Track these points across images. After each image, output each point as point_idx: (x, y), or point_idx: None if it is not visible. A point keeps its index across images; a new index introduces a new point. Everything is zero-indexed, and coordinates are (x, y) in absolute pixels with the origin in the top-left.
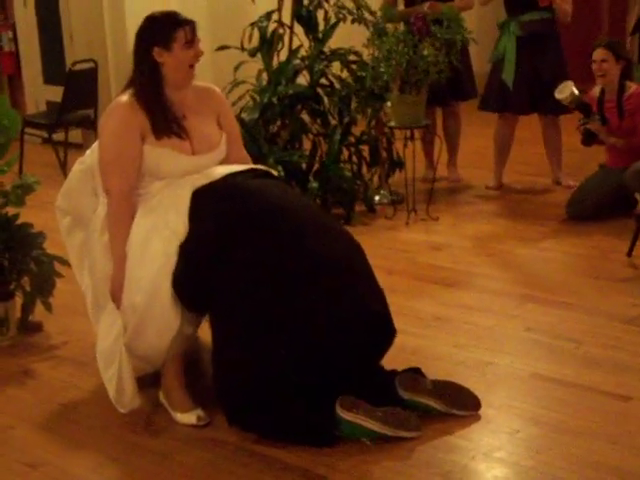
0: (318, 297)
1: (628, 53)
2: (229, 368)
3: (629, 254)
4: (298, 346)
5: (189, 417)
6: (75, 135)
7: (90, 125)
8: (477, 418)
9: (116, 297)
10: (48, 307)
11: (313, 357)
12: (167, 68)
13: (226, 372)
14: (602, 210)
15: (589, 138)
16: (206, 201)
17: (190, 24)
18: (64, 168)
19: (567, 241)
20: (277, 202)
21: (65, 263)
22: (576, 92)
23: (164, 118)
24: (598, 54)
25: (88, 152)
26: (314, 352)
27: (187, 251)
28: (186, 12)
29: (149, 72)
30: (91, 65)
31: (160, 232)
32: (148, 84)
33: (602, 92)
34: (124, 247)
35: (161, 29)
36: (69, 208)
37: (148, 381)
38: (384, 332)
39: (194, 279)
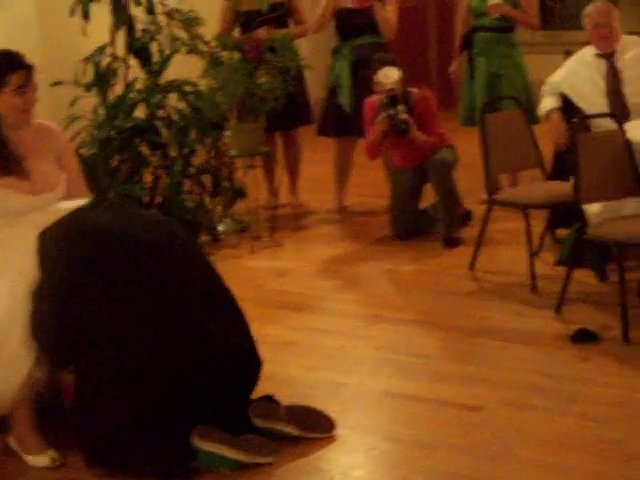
0: (178, 333)
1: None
2: (86, 407)
3: (470, 268)
4: (156, 382)
5: (42, 459)
6: None
7: None
8: (332, 439)
9: None
10: None
11: (171, 391)
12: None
13: (83, 410)
14: (418, 215)
15: (405, 128)
16: (53, 244)
17: (26, 69)
18: None
19: (411, 259)
20: (128, 237)
21: None
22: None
23: (2, 157)
24: (391, 79)
25: None
26: (172, 387)
27: (39, 298)
28: (14, 46)
29: None
30: None
31: (4, 274)
32: None
33: (382, 104)
34: None
35: None
36: None
37: None
38: (249, 365)
39: (49, 326)
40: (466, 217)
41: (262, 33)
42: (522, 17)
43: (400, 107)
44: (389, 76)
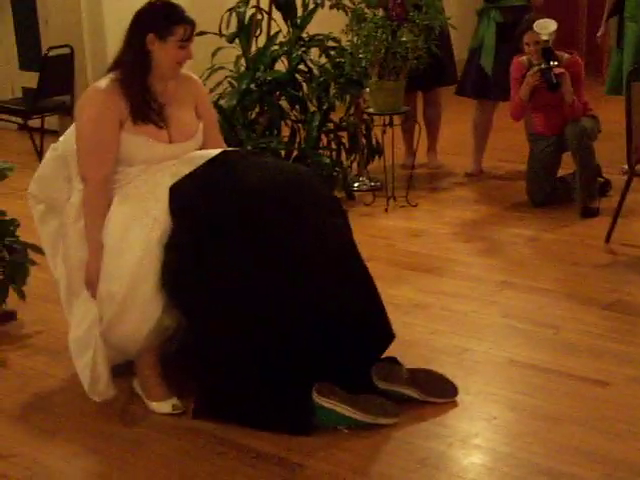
0: (304, 294)
1: None
2: (209, 356)
3: (607, 240)
4: (280, 336)
5: (164, 406)
6: (51, 122)
7: (66, 111)
8: (454, 405)
9: (91, 285)
10: (22, 295)
11: (294, 348)
12: (155, 57)
13: (206, 360)
14: (556, 182)
15: (557, 82)
16: (188, 198)
17: (192, 24)
18: (40, 155)
19: (546, 227)
20: (262, 193)
21: (39, 251)
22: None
23: (145, 104)
24: (534, 37)
25: (61, 138)
26: (295, 343)
27: (174, 247)
28: None
29: (138, 56)
30: (67, 51)
31: (140, 220)
32: (134, 67)
33: (530, 64)
34: (100, 235)
35: (164, 18)
36: (42, 195)
37: (122, 369)
38: (374, 331)
39: (182, 274)
40: (605, 187)
41: None
42: None
43: (553, 61)
44: (546, 27)
